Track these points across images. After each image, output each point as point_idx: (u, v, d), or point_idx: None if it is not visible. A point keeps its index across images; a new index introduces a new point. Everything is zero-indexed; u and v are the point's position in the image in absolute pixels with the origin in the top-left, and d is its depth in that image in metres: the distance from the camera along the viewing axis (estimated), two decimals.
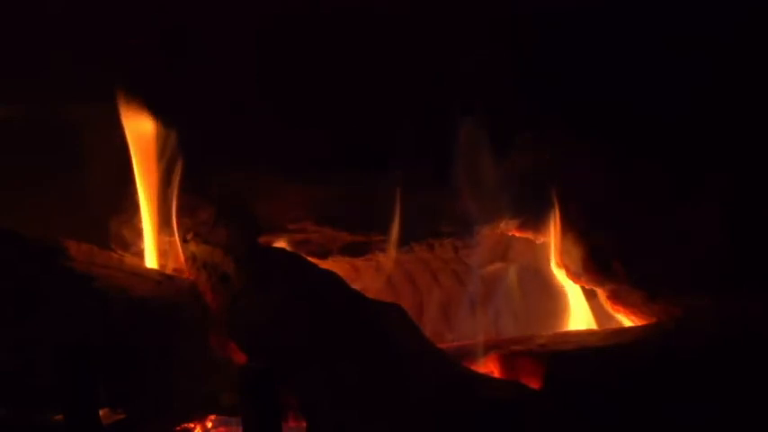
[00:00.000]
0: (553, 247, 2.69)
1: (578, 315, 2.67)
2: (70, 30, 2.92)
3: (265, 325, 2.26)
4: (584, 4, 2.89)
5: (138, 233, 2.68)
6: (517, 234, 2.75)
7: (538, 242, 2.74)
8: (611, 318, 2.63)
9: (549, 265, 2.71)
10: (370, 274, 2.79)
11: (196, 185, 2.73)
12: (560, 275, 2.69)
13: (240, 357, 2.33)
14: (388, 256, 2.75)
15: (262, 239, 2.72)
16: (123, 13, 2.88)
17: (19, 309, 2.30)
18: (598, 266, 2.62)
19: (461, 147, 2.67)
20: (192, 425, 2.33)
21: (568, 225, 2.67)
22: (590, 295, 2.70)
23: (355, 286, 2.33)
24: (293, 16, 2.97)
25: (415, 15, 2.96)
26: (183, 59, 2.87)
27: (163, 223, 2.65)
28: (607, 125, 2.75)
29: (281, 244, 2.71)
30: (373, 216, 2.74)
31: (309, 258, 2.48)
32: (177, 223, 2.65)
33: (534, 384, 2.17)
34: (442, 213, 2.77)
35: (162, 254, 2.67)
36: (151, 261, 2.66)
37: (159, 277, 2.53)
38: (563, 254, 2.67)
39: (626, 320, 2.60)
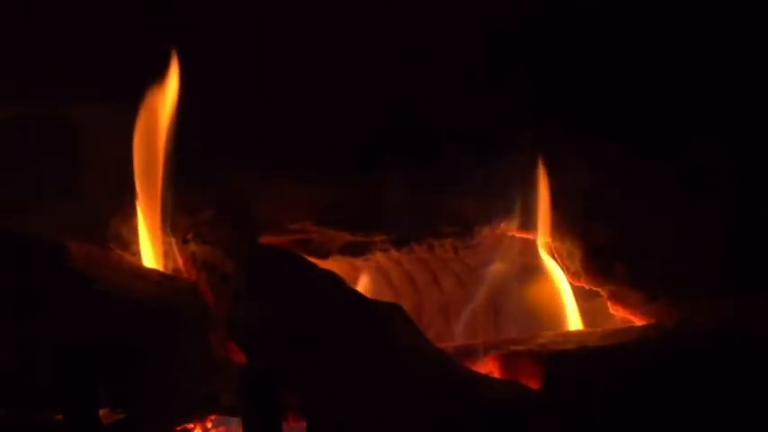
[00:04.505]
0: (553, 247, 2.69)
1: (577, 315, 2.66)
2: (70, 29, 2.92)
3: (265, 325, 2.26)
4: (584, 4, 2.89)
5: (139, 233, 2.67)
6: (517, 234, 2.75)
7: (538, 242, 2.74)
8: (608, 318, 2.63)
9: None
10: (370, 274, 2.78)
11: (196, 185, 2.73)
12: (560, 275, 2.69)
13: (240, 357, 2.32)
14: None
15: (262, 239, 2.71)
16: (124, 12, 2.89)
17: (19, 309, 2.30)
18: (598, 267, 2.62)
19: (462, 147, 2.67)
20: (191, 425, 2.33)
21: (568, 225, 2.67)
22: (587, 296, 2.70)
23: (355, 286, 2.34)
24: (295, 16, 2.98)
25: (414, 15, 2.96)
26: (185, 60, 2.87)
27: (165, 223, 2.65)
28: (607, 125, 2.75)
29: (281, 244, 2.70)
30: (373, 216, 2.74)
31: (309, 258, 2.48)
32: (177, 223, 2.65)
33: (534, 384, 2.17)
34: (442, 214, 2.77)
35: (163, 254, 2.67)
36: (152, 261, 2.66)
37: (159, 277, 2.52)
38: (563, 255, 2.67)
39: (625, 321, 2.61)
